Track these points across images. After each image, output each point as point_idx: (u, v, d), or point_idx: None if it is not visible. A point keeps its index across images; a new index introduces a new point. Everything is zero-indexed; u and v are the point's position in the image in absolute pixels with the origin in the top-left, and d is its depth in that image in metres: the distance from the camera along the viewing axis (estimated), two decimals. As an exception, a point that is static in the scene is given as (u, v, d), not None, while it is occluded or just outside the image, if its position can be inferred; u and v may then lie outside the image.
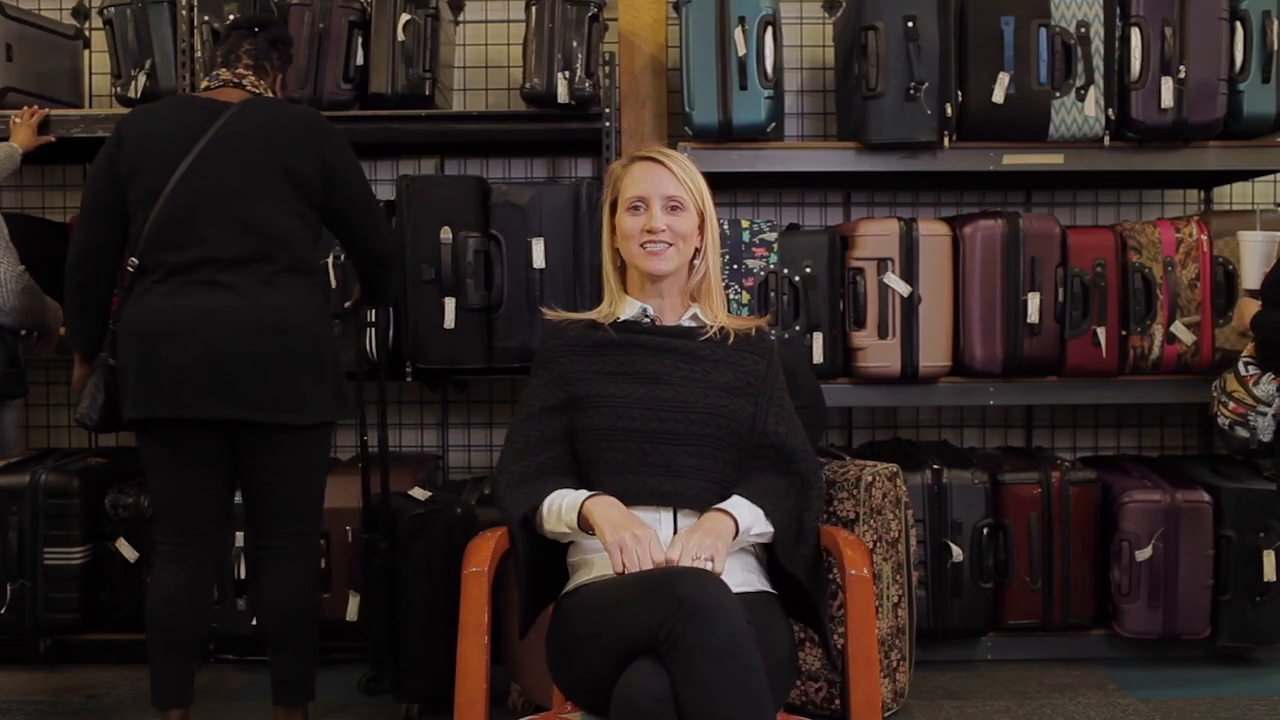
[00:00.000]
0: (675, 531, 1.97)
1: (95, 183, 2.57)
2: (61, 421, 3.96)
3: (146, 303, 2.49)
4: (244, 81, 2.62)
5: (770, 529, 1.99)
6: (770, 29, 3.27)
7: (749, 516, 1.96)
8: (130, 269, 2.52)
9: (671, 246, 2.08)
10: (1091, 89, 3.34)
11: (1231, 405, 2.88)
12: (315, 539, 2.69)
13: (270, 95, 2.66)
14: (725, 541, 1.89)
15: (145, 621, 2.57)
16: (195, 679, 2.61)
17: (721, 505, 1.96)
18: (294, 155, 2.51)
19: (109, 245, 2.56)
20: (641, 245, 2.08)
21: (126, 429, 2.60)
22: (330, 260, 3.23)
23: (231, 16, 3.26)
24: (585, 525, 1.94)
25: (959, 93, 3.35)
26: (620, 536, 1.86)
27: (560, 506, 1.98)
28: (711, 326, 2.13)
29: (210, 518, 2.59)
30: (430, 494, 3.12)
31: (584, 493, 1.98)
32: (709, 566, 1.83)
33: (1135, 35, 3.32)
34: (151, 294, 2.49)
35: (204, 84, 2.68)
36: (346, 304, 3.04)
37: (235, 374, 2.44)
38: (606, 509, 1.92)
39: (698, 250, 2.13)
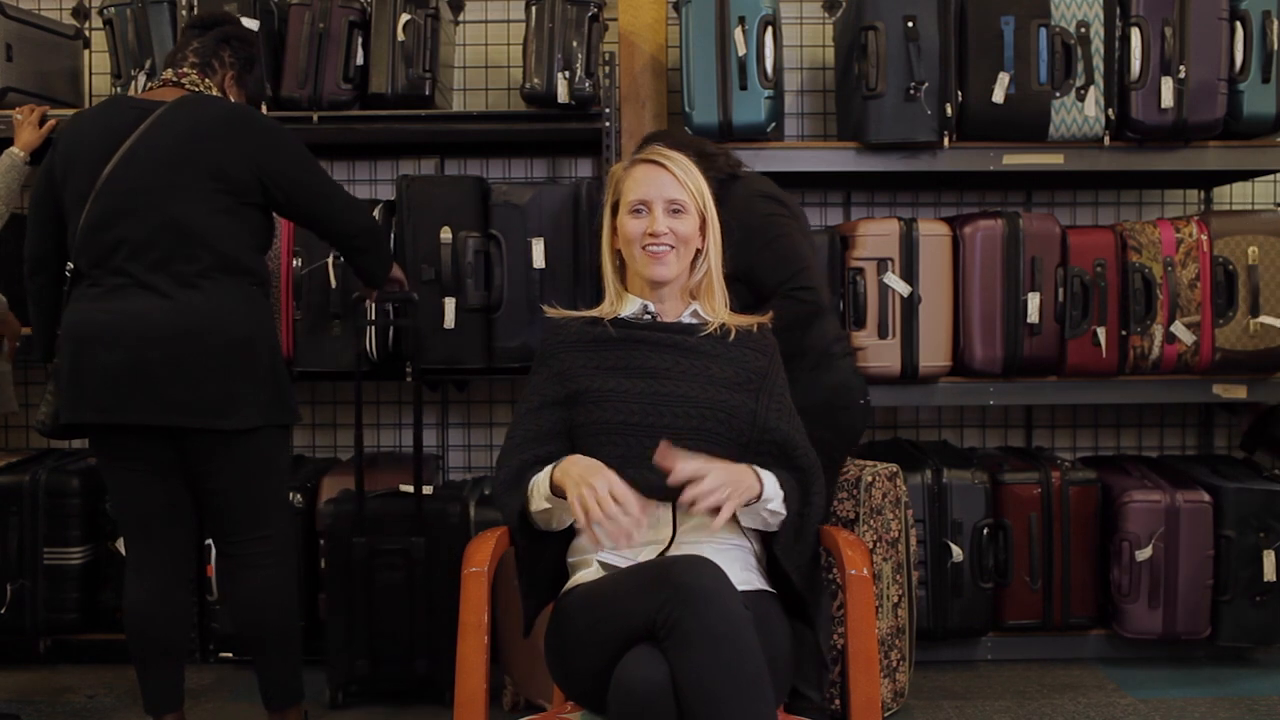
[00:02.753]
0: (675, 527, 1.96)
1: (35, 191, 2.56)
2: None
3: (79, 307, 2.47)
4: (184, 80, 2.56)
5: (783, 513, 1.99)
6: (770, 29, 3.27)
7: (773, 488, 1.96)
8: (68, 274, 2.51)
9: (673, 250, 2.08)
10: (1091, 89, 3.34)
11: None
12: (281, 544, 2.59)
13: (210, 93, 2.57)
14: (740, 497, 1.88)
15: (124, 632, 2.55)
16: (184, 681, 2.61)
17: (755, 468, 1.95)
18: (221, 153, 2.44)
19: (53, 253, 2.55)
20: (644, 248, 2.08)
21: (74, 436, 2.58)
22: (330, 260, 3.23)
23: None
24: (559, 492, 1.92)
25: (959, 93, 3.35)
26: (579, 493, 1.83)
27: (537, 483, 1.98)
28: (712, 323, 2.13)
29: (168, 521, 2.53)
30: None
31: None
32: (709, 501, 1.81)
33: (1135, 35, 3.32)
34: (84, 298, 2.46)
35: (149, 85, 2.63)
36: (355, 295, 3.04)
37: (158, 378, 2.38)
38: (569, 467, 1.90)
39: (699, 251, 2.13)
